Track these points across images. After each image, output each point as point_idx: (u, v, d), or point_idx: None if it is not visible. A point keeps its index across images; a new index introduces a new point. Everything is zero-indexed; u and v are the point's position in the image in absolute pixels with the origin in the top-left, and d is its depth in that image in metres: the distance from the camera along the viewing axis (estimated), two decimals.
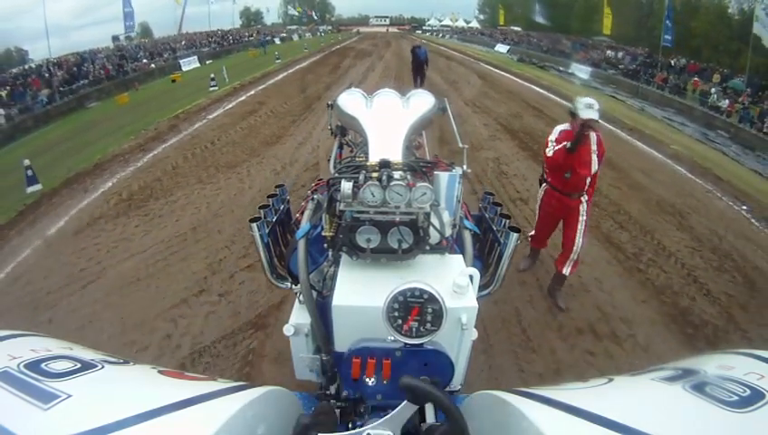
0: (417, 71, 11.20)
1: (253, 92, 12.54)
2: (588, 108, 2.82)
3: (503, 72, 17.43)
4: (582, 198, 3.15)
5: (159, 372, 0.80)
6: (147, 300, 3.56)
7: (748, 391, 0.60)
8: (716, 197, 6.24)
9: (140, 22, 27.18)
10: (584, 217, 3.17)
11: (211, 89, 13.23)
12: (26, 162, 6.69)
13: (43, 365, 0.64)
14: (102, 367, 0.70)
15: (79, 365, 0.67)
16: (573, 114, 2.92)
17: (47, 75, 17.69)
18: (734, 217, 5.60)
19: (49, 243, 4.76)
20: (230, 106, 10.81)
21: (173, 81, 17.95)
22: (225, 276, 3.83)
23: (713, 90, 15.49)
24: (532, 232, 3.71)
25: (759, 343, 3.42)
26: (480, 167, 6.53)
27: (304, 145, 7.47)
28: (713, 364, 0.73)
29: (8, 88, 15.79)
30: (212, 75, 13.94)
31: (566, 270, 3.29)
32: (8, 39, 20.59)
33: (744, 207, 6.14)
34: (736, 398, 0.59)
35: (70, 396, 0.57)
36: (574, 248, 3.21)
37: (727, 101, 14.38)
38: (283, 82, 14.52)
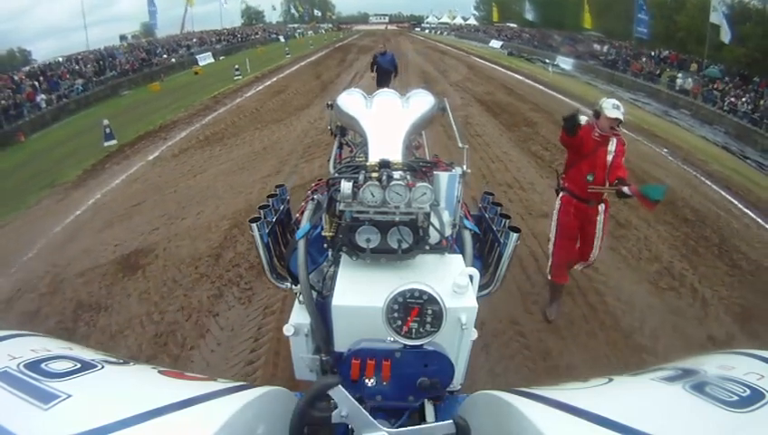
0: (383, 84, 7.89)
1: (275, 79, 14.65)
2: (614, 108, 2.76)
3: (490, 64, 19.54)
4: (600, 208, 2.98)
5: (159, 372, 0.80)
6: (244, 177, 5.89)
7: (748, 391, 0.60)
8: (643, 144, 8.19)
9: (143, 22, 28.63)
10: (601, 228, 3.03)
11: (236, 77, 15.14)
12: (105, 121, 8.56)
13: (42, 365, 0.64)
14: (102, 367, 0.70)
15: (79, 365, 0.67)
16: (598, 113, 2.82)
17: (76, 67, 19.42)
18: (652, 154, 7.54)
19: (152, 163, 6.87)
20: (260, 88, 12.98)
21: (195, 73, 19.69)
22: (292, 165, 6.36)
23: (679, 74, 17.40)
24: (550, 263, 3.20)
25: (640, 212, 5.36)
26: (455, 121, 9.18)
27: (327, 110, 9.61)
28: (713, 364, 0.73)
29: (40, 78, 17.50)
30: (236, 66, 15.81)
31: (579, 267, 3.30)
32: (10, 40, 21.47)
33: (666, 150, 8.09)
34: (736, 398, 0.59)
35: (70, 396, 0.57)
36: (591, 258, 3.12)
37: (692, 84, 16.21)
38: (299, 72, 16.52)
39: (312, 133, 7.72)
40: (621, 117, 2.77)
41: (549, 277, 3.23)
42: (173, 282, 3.71)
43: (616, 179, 2.78)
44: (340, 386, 0.82)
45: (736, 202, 6.28)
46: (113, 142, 8.42)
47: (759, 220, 5.70)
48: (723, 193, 6.57)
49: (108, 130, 8.49)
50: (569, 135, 2.79)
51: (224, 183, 5.75)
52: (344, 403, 0.82)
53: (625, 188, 2.68)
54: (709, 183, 6.90)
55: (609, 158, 2.83)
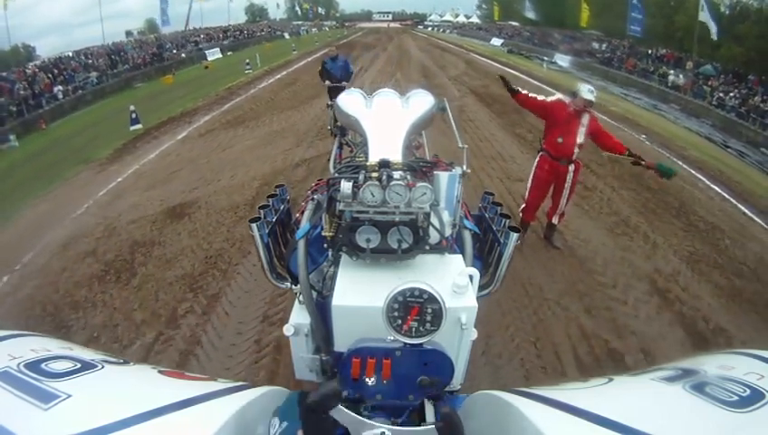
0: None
1: (285, 73, 15.53)
2: (588, 92, 3.48)
3: (488, 60, 20.35)
4: (570, 167, 3.70)
5: (159, 372, 0.81)
6: (268, 150, 6.77)
7: (748, 391, 0.61)
8: (624, 131, 8.91)
9: (147, 18, 29.79)
10: (569, 183, 3.77)
11: (247, 71, 15.94)
12: (132, 107, 9.31)
13: (43, 365, 0.64)
14: (102, 367, 0.70)
15: (79, 365, 0.68)
16: (575, 94, 3.54)
17: (89, 62, 20.11)
18: (629, 139, 8.25)
19: (182, 141, 7.73)
20: (271, 81, 13.88)
21: (206, 67, 20.39)
22: (309, 141, 7.27)
23: (671, 71, 18.13)
24: (523, 206, 4.06)
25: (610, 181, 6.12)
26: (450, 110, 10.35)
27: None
28: (713, 364, 0.74)
29: (54, 71, 18.17)
30: (247, 61, 16.61)
31: (555, 220, 4.04)
32: (13, 36, 21.29)
33: (644, 136, 8.84)
34: (736, 398, 0.60)
35: (70, 396, 0.58)
36: (560, 203, 3.89)
37: (683, 79, 16.90)
38: (306, 67, 17.26)
39: (324, 118, 8.46)
40: (593, 99, 3.51)
41: (520, 214, 4.10)
42: (217, 223, 4.57)
43: (626, 150, 3.65)
44: (340, 407, 0.83)
45: (704, 179, 6.80)
46: (139, 126, 9.18)
47: (724, 194, 6.26)
48: (693, 172, 7.10)
49: (134, 116, 9.27)
50: (511, 95, 3.73)
51: (250, 155, 6.65)
52: (345, 420, 0.84)
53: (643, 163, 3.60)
54: (681, 163, 7.53)
55: (582, 129, 3.58)
